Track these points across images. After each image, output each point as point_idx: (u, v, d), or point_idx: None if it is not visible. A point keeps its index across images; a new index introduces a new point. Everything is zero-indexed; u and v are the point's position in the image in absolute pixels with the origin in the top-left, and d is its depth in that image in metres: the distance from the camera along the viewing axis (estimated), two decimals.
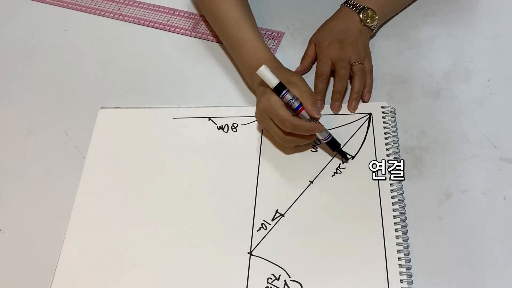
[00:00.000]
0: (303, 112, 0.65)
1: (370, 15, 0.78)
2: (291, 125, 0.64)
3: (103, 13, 0.95)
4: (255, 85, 0.73)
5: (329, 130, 0.69)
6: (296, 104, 0.65)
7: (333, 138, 0.68)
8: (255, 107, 0.76)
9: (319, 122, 0.67)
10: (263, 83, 0.67)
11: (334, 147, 0.68)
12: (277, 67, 0.70)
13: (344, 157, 0.69)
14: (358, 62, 0.74)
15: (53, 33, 0.93)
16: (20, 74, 0.88)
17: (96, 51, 0.89)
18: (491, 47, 0.80)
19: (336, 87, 0.74)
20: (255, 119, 0.75)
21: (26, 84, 0.86)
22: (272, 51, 0.83)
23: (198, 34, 0.88)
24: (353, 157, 0.70)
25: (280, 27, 0.87)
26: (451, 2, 0.86)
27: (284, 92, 0.65)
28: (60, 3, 0.98)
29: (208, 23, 0.89)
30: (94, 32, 0.92)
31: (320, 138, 0.68)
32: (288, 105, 0.65)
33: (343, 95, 0.75)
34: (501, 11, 0.85)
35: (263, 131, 0.74)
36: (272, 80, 0.65)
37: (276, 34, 0.86)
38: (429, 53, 0.80)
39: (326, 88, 0.76)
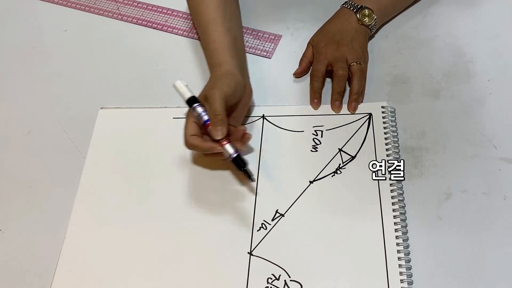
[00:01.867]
0: (208, 129, 0.64)
1: (367, 13, 0.78)
2: (189, 144, 0.64)
3: (102, 12, 0.95)
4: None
5: (329, 130, 0.69)
6: (202, 121, 0.65)
7: (237, 156, 0.64)
8: (255, 107, 0.77)
9: (227, 139, 0.64)
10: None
11: (238, 166, 0.65)
12: (224, 74, 0.68)
13: (248, 177, 0.65)
14: (356, 62, 0.74)
15: (53, 33, 0.93)
16: (20, 74, 0.88)
17: (96, 51, 0.89)
18: (491, 47, 0.80)
19: (335, 88, 0.74)
20: (254, 120, 0.75)
21: (26, 84, 0.86)
22: (268, 54, 0.83)
23: (196, 36, 0.88)
24: (353, 157, 0.70)
25: (280, 27, 0.87)
26: (451, 2, 0.86)
27: (195, 105, 0.65)
28: (60, 1, 0.98)
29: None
30: (94, 32, 0.92)
31: (226, 156, 0.64)
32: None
33: (343, 95, 0.75)
34: (501, 11, 0.85)
35: (263, 131, 0.74)
36: (184, 94, 0.66)
37: (273, 37, 0.86)
38: (429, 53, 0.80)
39: (322, 87, 0.76)
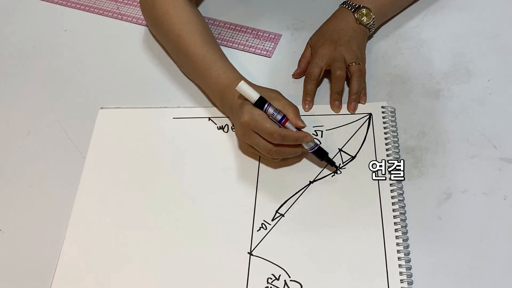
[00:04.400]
0: (287, 124, 0.65)
1: (365, 13, 0.78)
2: (279, 135, 0.63)
3: (102, 12, 0.95)
4: (227, 104, 0.71)
5: (329, 130, 0.69)
6: (279, 116, 0.65)
7: (320, 147, 0.67)
8: None
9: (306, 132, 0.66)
10: (241, 98, 0.66)
11: (321, 156, 0.67)
12: (251, 85, 0.68)
13: (333, 165, 0.68)
14: (354, 62, 0.74)
15: (53, 33, 0.93)
16: (20, 74, 0.88)
17: (96, 51, 0.89)
18: (491, 47, 0.80)
19: (333, 88, 0.74)
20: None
21: (26, 84, 0.86)
22: (268, 53, 0.83)
23: None
24: (353, 157, 0.70)
25: (280, 27, 0.87)
26: (451, 2, 0.86)
27: (266, 105, 0.64)
28: (60, 1, 0.98)
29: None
30: (94, 32, 0.92)
31: (307, 148, 0.66)
32: (270, 118, 0.65)
33: (342, 95, 0.75)
34: (501, 11, 0.85)
35: None
36: (253, 95, 0.64)
37: (273, 36, 0.86)
38: (429, 53, 0.80)
39: (315, 89, 0.76)
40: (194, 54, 0.73)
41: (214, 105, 0.77)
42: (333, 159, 0.68)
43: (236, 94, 0.67)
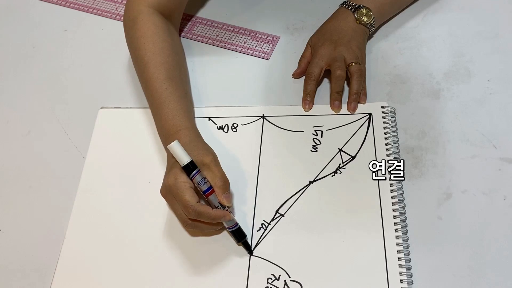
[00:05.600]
0: (211, 196, 0.62)
1: (365, 13, 0.78)
2: (194, 211, 0.59)
3: (101, 12, 0.95)
4: (166, 153, 0.67)
5: (329, 130, 0.68)
6: (204, 187, 0.61)
7: (239, 228, 0.63)
8: (255, 107, 0.77)
9: (228, 209, 0.63)
10: (173, 156, 0.62)
11: (239, 237, 0.63)
12: (193, 139, 0.65)
13: (248, 249, 0.63)
14: (354, 62, 0.74)
15: (53, 33, 0.93)
16: (20, 74, 0.88)
17: (96, 51, 0.89)
18: (491, 47, 0.80)
19: (333, 88, 0.74)
20: (254, 120, 0.75)
21: (26, 84, 0.86)
22: (266, 55, 0.83)
23: (193, 36, 0.88)
24: (353, 157, 0.70)
25: (280, 27, 0.87)
26: (451, 2, 0.86)
27: (194, 172, 0.61)
28: (60, 1, 0.98)
29: (204, 25, 0.89)
30: (94, 32, 0.92)
31: (226, 225, 0.62)
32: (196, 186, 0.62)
33: (342, 95, 0.75)
34: (501, 11, 0.85)
35: (263, 131, 0.74)
36: (183, 158, 0.60)
37: (271, 38, 0.86)
38: (429, 53, 0.80)
39: (315, 89, 0.76)
40: (153, 88, 0.70)
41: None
42: (250, 244, 0.64)
43: None
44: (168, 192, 0.62)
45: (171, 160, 0.64)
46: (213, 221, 0.61)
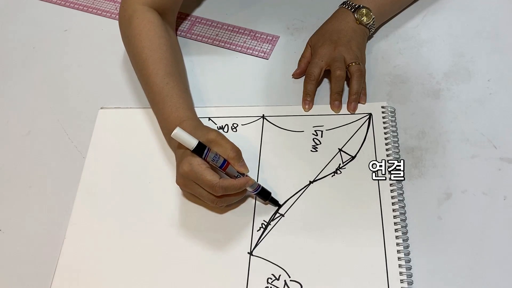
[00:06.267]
0: (228, 168, 0.63)
1: (365, 13, 0.78)
2: (221, 188, 0.60)
3: (101, 12, 0.95)
4: (172, 145, 0.69)
5: (329, 130, 0.68)
6: (220, 162, 0.62)
7: (262, 188, 0.65)
8: (255, 107, 0.77)
9: (247, 175, 0.64)
10: (181, 146, 0.63)
11: (265, 197, 0.65)
12: (196, 126, 0.66)
13: (276, 205, 0.66)
14: (354, 62, 0.74)
15: (53, 33, 0.93)
16: (20, 74, 0.88)
17: (96, 51, 0.89)
18: (491, 47, 0.80)
19: (333, 88, 0.74)
20: (254, 120, 0.75)
21: (26, 84, 0.86)
22: (266, 55, 0.83)
23: (193, 36, 0.88)
24: (353, 157, 0.70)
25: (280, 28, 0.87)
26: (451, 2, 0.86)
27: (205, 151, 0.61)
28: (60, 1, 0.98)
29: (203, 24, 0.89)
30: (94, 32, 0.92)
31: (250, 190, 0.64)
32: (211, 164, 0.62)
33: (342, 95, 0.75)
34: (501, 11, 0.85)
35: (263, 131, 0.74)
36: (190, 141, 0.61)
37: (271, 38, 0.86)
38: (429, 53, 0.80)
39: (315, 89, 0.76)
40: (153, 84, 0.70)
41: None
42: (276, 198, 0.66)
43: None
44: (186, 179, 0.62)
45: (179, 151, 0.65)
46: (239, 190, 0.63)
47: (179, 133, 0.61)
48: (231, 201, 0.65)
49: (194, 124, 0.66)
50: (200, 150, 0.61)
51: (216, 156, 0.62)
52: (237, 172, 0.63)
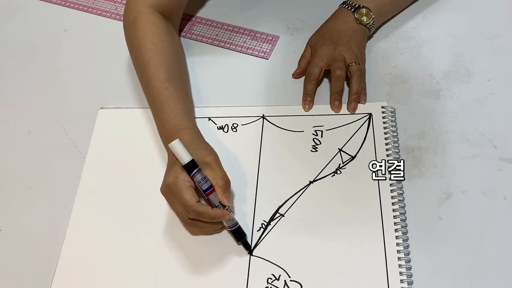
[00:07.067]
0: (212, 195, 0.62)
1: (365, 13, 0.78)
2: (194, 211, 0.59)
3: (100, 12, 0.95)
4: (167, 152, 0.68)
5: (329, 130, 0.68)
6: (205, 186, 0.61)
7: (239, 227, 0.63)
8: (255, 107, 0.77)
9: (228, 209, 0.63)
10: (174, 155, 0.62)
11: (238, 237, 0.63)
12: (194, 139, 0.65)
13: (247, 249, 0.63)
14: (354, 62, 0.74)
15: (53, 33, 0.93)
16: (20, 74, 0.88)
17: (96, 51, 0.89)
18: (491, 47, 0.80)
19: (333, 88, 0.74)
20: (254, 120, 0.75)
21: (26, 84, 0.86)
22: (266, 55, 0.83)
23: (193, 36, 0.88)
24: (353, 157, 0.70)
25: (280, 28, 0.87)
26: (451, 2, 0.86)
27: (195, 171, 0.61)
28: (60, 1, 0.98)
29: (203, 24, 0.89)
30: (94, 32, 0.92)
31: (226, 225, 0.63)
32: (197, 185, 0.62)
33: (342, 94, 0.75)
34: (501, 11, 0.85)
35: (263, 131, 0.74)
36: (184, 157, 0.60)
37: (271, 38, 0.86)
38: (429, 53, 0.80)
39: (315, 89, 0.76)
40: (154, 87, 0.70)
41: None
42: (250, 244, 0.64)
43: None
44: (168, 190, 0.62)
45: (172, 158, 0.64)
46: (213, 221, 0.61)
47: (176, 145, 0.60)
48: (202, 228, 0.63)
49: (192, 136, 0.66)
50: (190, 168, 0.61)
51: (203, 179, 0.62)
52: (219, 202, 0.62)
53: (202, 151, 0.64)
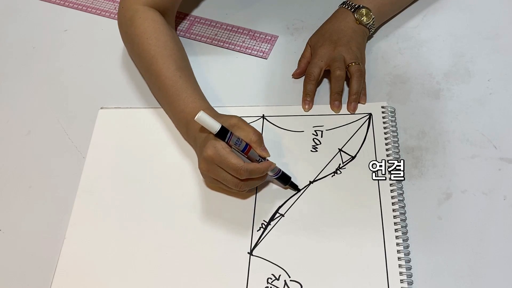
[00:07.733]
0: (250, 152, 0.63)
1: (365, 13, 0.78)
2: (246, 171, 0.61)
3: (100, 12, 0.95)
4: (191, 135, 0.69)
5: (329, 130, 0.68)
6: (242, 146, 0.62)
7: (283, 172, 0.66)
8: (255, 107, 0.77)
9: (268, 159, 0.65)
10: (203, 130, 0.63)
11: (285, 181, 0.66)
12: (216, 114, 0.67)
13: (295, 189, 0.67)
14: (354, 62, 0.74)
15: (53, 33, 0.93)
16: (20, 74, 0.88)
17: (96, 51, 0.89)
18: (491, 47, 0.80)
19: (333, 88, 0.74)
20: (254, 120, 0.75)
21: (26, 84, 0.86)
22: (265, 54, 0.83)
23: (192, 36, 0.88)
24: (353, 157, 0.70)
25: (280, 28, 0.87)
26: (451, 2, 0.86)
27: (228, 135, 0.62)
28: (60, 1, 0.98)
29: (202, 24, 0.89)
30: (94, 32, 0.92)
31: (271, 174, 0.65)
32: (234, 148, 0.63)
33: (341, 95, 0.75)
34: (501, 11, 0.85)
35: (263, 131, 0.74)
36: (214, 125, 0.61)
37: (270, 38, 0.86)
38: (429, 53, 0.80)
39: (315, 89, 0.76)
40: (165, 78, 0.71)
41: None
42: (295, 183, 0.67)
43: (199, 126, 0.63)
44: (210, 163, 0.62)
45: (201, 136, 0.65)
46: (263, 174, 0.63)
47: (203, 117, 0.61)
48: (253, 185, 0.65)
49: (214, 113, 0.67)
50: (223, 134, 0.62)
51: (238, 140, 0.62)
52: (259, 156, 0.64)
53: (225, 118, 0.65)
